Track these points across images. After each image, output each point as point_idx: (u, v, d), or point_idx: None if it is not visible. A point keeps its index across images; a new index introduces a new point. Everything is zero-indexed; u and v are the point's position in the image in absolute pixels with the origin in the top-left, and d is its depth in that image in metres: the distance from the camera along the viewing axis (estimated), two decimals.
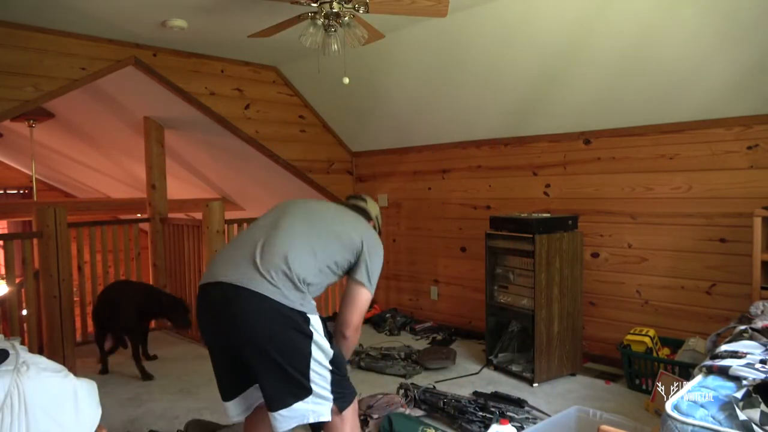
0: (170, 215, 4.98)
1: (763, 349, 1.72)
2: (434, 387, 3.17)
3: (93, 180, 7.91)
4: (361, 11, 2.69)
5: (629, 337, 3.25)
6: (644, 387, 3.15)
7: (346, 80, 3.15)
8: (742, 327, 1.99)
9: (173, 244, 4.74)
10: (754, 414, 1.31)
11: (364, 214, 2.25)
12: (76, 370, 3.62)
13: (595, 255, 3.74)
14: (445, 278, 4.74)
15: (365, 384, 3.32)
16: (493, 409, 2.74)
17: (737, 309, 2.98)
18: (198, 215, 4.65)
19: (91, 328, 4.13)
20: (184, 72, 4.14)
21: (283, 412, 1.80)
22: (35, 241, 3.72)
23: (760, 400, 1.34)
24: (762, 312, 2.19)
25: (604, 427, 1.75)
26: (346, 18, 2.65)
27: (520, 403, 2.89)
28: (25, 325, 3.80)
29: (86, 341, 4.34)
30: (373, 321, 4.81)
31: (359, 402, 2.54)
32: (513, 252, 3.49)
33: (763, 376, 1.46)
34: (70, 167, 7.59)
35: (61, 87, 3.58)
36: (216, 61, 4.32)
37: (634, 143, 3.50)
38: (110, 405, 3.07)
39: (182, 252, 4.61)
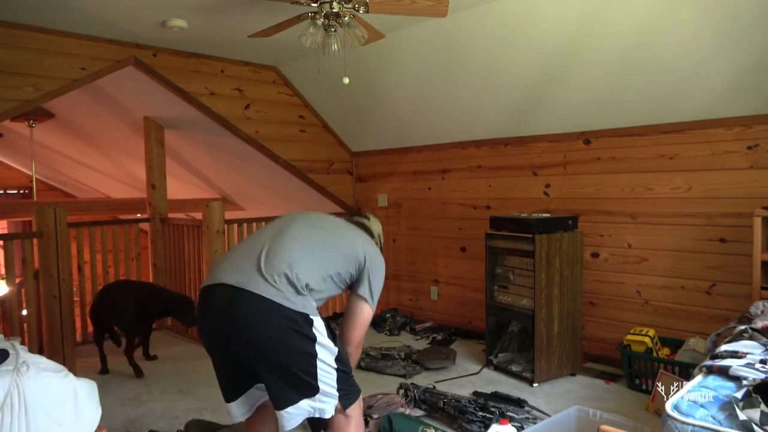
0: (170, 215, 4.98)
1: (763, 349, 1.72)
2: (434, 387, 3.18)
3: (93, 180, 7.90)
4: (361, 11, 2.70)
5: (629, 337, 3.25)
6: (644, 387, 3.15)
7: (346, 80, 3.16)
8: (742, 327, 1.99)
9: (173, 244, 4.74)
10: (754, 414, 1.31)
11: (367, 231, 2.29)
12: (76, 370, 3.62)
13: (595, 255, 3.74)
14: (445, 278, 4.74)
15: (365, 384, 3.29)
16: (493, 409, 2.74)
17: (737, 309, 2.98)
18: (198, 215, 4.65)
19: (90, 328, 4.12)
20: (184, 72, 4.15)
21: (290, 409, 1.82)
22: (35, 241, 3.72)
23: (760, 400, 1.34)
24: (762, 312, 2.19)
25: (604, 427, 1.75)
26: (346, 18, 2.66)
27: (520, 403, 2.89)
28: (25, 325, 3.79)
29: (86, 341, 4.34)
30: (373, 321, 4.81)
31: None
32: (513, 252, 3.49)
33: (763, 376, 1.46)
34: (70, 167, 7.59)
35: (61, 87, 3.58)
36: (216, 61, 4.32)
37: (634, 143, 3.50)
38: (110, 405, 3.07)
39: (182, 252, 4.61)
